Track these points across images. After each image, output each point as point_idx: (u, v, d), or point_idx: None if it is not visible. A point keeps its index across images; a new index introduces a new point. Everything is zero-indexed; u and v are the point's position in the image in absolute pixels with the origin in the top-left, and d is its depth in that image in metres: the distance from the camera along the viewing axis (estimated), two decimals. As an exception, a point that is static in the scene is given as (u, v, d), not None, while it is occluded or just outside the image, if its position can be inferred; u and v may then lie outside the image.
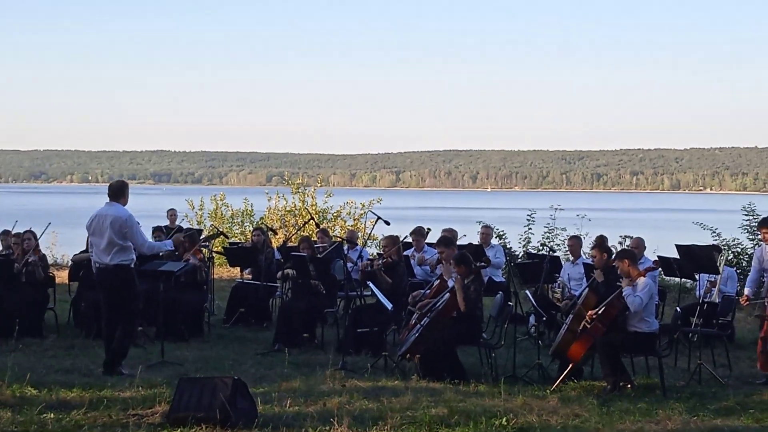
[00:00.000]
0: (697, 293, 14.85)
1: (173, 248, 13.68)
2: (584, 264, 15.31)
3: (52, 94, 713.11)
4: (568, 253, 17.88)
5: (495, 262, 16.87)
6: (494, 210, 77.00)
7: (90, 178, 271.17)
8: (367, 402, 10.33)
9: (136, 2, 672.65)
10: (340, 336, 14.28)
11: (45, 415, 9.40)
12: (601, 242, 14.32)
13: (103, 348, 12.37)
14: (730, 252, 21.50)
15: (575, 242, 16.37)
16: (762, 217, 13.90)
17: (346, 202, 29.41)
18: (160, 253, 14.15)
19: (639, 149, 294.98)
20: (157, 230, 18.01)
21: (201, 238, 17.51)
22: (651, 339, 11.93)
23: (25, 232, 15.52)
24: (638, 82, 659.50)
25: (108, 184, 12.57)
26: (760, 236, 13.31)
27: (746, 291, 13.06)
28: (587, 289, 12.60)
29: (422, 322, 12.34)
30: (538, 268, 16.50)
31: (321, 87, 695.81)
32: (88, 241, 15.53)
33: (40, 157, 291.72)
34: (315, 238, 18.17)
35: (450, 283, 12.66)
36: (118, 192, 12.30)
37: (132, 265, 12.27)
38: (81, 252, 15.90)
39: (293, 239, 19.81)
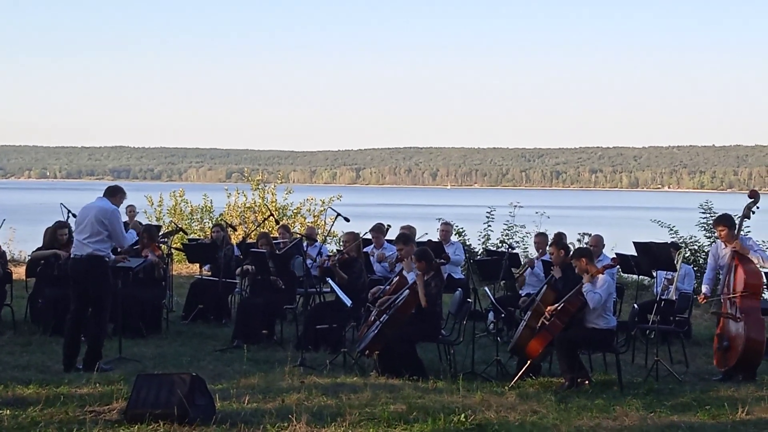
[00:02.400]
0: (655, 290, 14.96)
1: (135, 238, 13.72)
2: (543, 261, 15.38)
3: (9, 89, 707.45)
4: (528, 250, 17.94)
5: (454, 259, 16.88)
6: (454, 207, 77.07)
7: (48, 173, 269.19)
8: (325, 398, 10.32)
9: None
10: (299, 332, 14.24)
11: (1, 411, 9.32)
12: (558, 239, 14.38)
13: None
14: (687, 249, 21.67)
15: (542, 239, 16.44)
16: (717, 215, 14.03)
17: (306, 199, 29.42)
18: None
19: (598, 147, 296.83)
20: (127, 224, 17.94)
21: (160, 234, 17.43)
22: (609, 336, 12.00)
23: (-17, 229, 15.40)
24: (597, 81, 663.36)
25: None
26: (716, 234, 13.41)
27: (703, 289, 13.13)
28: (545, 285, 12.66)
29: (381, 319, 12.33)
30: (497, 265, 16.57)
31: (281, 84, 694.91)
32: (45, 236, 15.52)
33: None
34: (276, 235, 18.14)
35: (410, 279, 12.66)
36: (113, 192, 12.52)
37: (107, 258, 12.25)
38: (39, 248, 15.76)
39: (252, 236, 19.78)
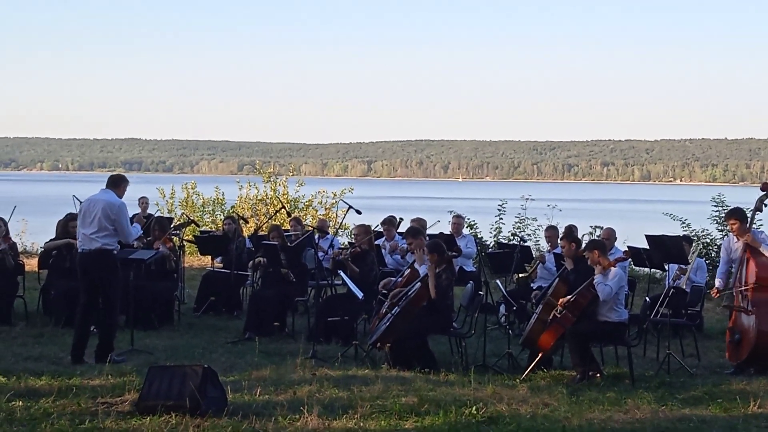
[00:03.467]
0: (666, 283, 14.94)
1: (141, 232, 13.74)
2: (555, 254, 15.37)
3: (22, 82, 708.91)
4: (540, 243, 17.89)
5: (466, 252, 16.90)
6: (465, 200, 77.13)
7: (60, 165, 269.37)
8: (337, 391, 10.33)
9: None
10: (310, 325, 14.27)
11: (13, 403, 9.35)
12: (569, 232, 14.37)
13: (72, 336, 12.32)
14: (699, 243, 21.62)
15: (552, 233, 16.42)
16: (730, 208, 14.01)
17: (317, 192, 29.39)
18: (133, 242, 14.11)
19: (610, 140, 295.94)
20: (133, 217, 18.00)
21: (172, 226, 17.45)
22: (620, 329, 11.98)
23: (-4, 220, 15.39)
24: (609, 73, 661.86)
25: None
26: (728, 227, 13.39)
27: (717, 283, 13.09)
28: (557, 278, 12.65)
29: (393, 311, 12.34)
30: (508, 257, 16.56)
31: (293, 76, 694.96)
32: (57, 228, 15.54)
33: (9, 144, 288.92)
34: (288, 227, 18.13)
35: (422, 271, 12.65)
36: (116, 182, 12.43)
37: (115, 252, 12.25)
38: (51, 239, 15.79)
39: (264, 228, 19.79)
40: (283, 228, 17.42)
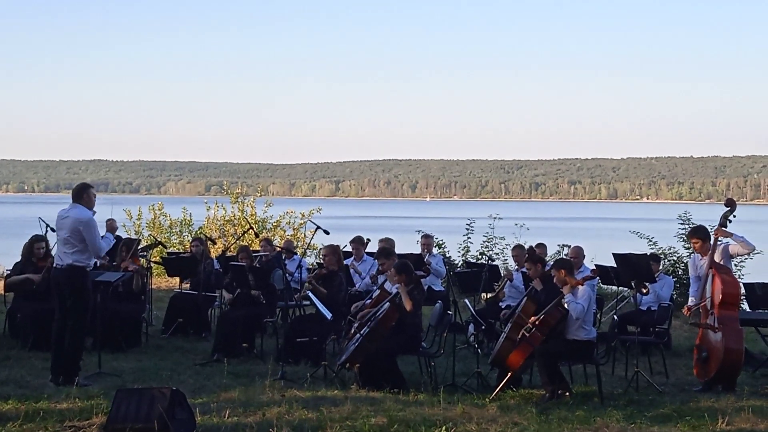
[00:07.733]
0: (634, 300, 15.02)
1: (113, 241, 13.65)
2: (523, 273, 15.41)
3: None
4: (508, 261, 17.93)
5: (435, 271, 16.90)
6: (433, 219, 77.34)
7: (26, 187, 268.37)
8: (306, 412, 10.29)
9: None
10: (279, 346, 14.22)
11: (-21, 427, 9.28)
12: (532, 254, 14.39)
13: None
14: (666, 260, 21.75)
15: (519, 252, 16.45)
16: (693, 226, 14.10)
17: (285, 212, 29.34)
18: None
19: (577, 159, 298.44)
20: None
21: (139, 248, 17.38)
22: (589, 347, 12.01)
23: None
24: (575, 92, 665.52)
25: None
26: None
27: (690, 301, 13.13)
28: (526, 297, 12.67)
29: (362, 332, 12.32)
30: (477, 277, 16.58)
31: (259, 96, 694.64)
32: (23, 250, 15.42)
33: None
34: (258, 248, 18.08)
35: (393, 290, 12.61)
36: (78, 193, 12.24)
37: (88, 269, 12.15)
38: (16, 263, 15.65)
39: (232, 249, 19.74)
40: (252, 249, 17.36)
